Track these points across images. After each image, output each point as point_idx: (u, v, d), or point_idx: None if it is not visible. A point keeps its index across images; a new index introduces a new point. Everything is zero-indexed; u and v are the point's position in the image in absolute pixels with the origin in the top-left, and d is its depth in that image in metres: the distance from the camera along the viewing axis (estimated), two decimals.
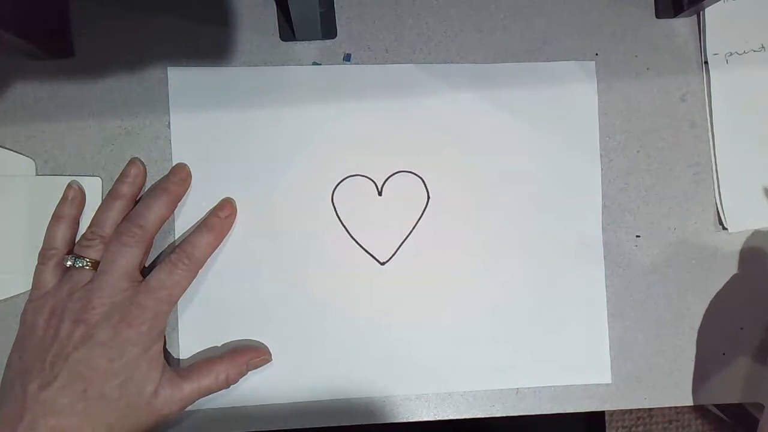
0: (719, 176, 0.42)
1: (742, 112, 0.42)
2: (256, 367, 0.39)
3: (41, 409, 0.33)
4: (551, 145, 0.42)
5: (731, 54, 0.43)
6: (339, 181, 0.41)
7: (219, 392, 0.38)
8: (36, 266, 0.37)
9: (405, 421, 0.40)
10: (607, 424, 0.57)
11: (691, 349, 0.42)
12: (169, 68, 0.40)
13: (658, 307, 0.42)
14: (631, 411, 1.05)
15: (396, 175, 0.41)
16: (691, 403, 0.42)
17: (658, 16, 0.43)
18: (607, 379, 0.41)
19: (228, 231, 0.39)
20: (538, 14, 0.42)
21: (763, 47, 0.43)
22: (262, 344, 0.39)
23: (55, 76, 0.40)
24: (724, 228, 0.42)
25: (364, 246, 0.41)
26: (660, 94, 0.43)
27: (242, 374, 0.38)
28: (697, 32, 0.43)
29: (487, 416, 0.40)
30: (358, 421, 0.40)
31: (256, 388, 0.39)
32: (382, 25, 0.41)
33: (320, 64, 0.41)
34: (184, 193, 0.39)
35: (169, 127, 0.40)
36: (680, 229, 0.42)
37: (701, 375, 0.42)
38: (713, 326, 0.42)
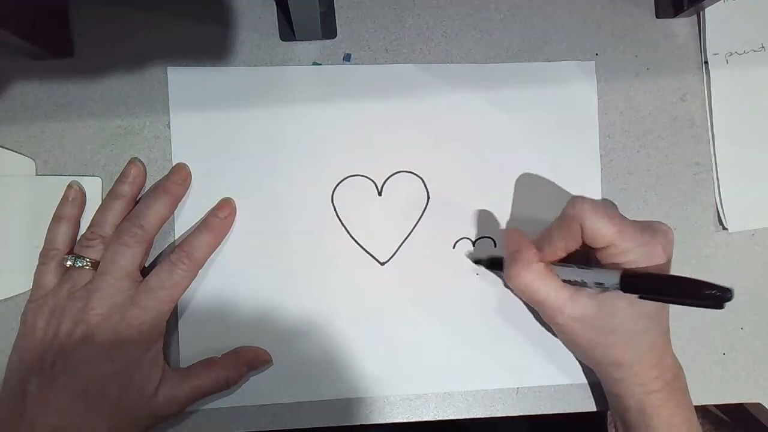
0: (719, 176, 0.42)
1: (742, 112, 0.42)
2: (255, 369, 0.39)
3: (41, 409, 0.33)
4: (551, 145, 0.42)
5: (731, 54, 0.43)
6: (339, 181, 0.41)
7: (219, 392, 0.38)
8: (37, 266, 0.37)
9: (405, 421, 0.40)
10: (608, 424, 0.57)
11: (691, 349, 0.42)
12: (169, 68, 0.40)
13: None
14: None
15: (396, 175, 0.41)
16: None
17: (658, 16, 0.43)
18: None
19: (228, 231, 0.39)
20: (538, 14, 0.42)
21: (763, 47, 0.43)
22: (262, 346, 0.39)
23: (55, 76, 0.40)
24: (724, 228, 0.42)
25: (364, 246, 0.41)
26: (660, 94, 0.43)
27: (242, 376, 0.38)
28: (697, 32, 0.43)
29: (487, 416, 0.40)
30: (358, 421, 0.40)
31: (256, 388, 0.39)
32: (382, 25, 0.41)
33: (320, 64, 0.41)
34: (185, 193, 0.39)
35: (169, 127, 0.40)
36: (680, 229, 0.42)
37: (701, 375, 0.42)
38: (713, 326, 0.42)
